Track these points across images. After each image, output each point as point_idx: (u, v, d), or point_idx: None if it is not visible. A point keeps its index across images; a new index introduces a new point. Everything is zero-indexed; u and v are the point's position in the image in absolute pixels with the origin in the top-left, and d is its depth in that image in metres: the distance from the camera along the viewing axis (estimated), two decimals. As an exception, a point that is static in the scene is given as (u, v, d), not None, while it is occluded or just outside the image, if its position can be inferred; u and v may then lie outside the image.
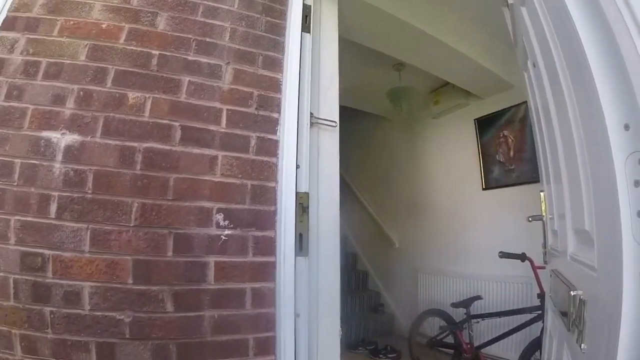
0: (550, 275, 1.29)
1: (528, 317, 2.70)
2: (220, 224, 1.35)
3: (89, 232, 1.21)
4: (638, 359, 0.54)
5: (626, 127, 0.60)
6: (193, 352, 1.26)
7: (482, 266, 3.65)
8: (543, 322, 2.29)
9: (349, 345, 4.01)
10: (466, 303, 3.19)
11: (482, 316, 3.08)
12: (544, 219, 1.49)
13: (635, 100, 0.56)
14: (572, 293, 0.79)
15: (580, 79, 0.75)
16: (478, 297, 3.26)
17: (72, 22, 1.38)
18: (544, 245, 1.52)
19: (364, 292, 4.99)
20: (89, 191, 1.24)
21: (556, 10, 0.83)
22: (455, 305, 3.24)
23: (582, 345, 0.74)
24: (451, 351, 3.23)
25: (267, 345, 1.35)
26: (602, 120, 0.63)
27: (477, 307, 3.23)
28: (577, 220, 0.89)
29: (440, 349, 3.34)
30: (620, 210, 0.58)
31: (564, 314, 0.92)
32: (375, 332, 4.40)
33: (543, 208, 1.49)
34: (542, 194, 1.50)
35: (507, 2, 1.42)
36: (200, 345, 1.27)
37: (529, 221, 1.68)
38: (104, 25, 1.40)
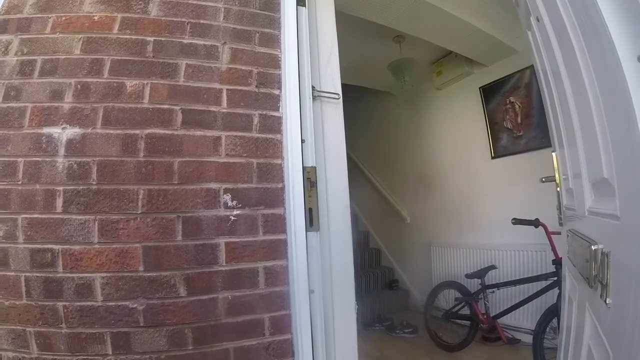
0: (567, 236, 1.27)
1: (543, 284, 2.71)
2: (229, 204, 1.35)
3: (96, 223, 1.21)
4: None
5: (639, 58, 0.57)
6: (209, 335, 1.26)
7: (495, 236, 3.64)
8: (559, 288, 2.29)
9: (365, 322, 4.05)
10: (480, 273, 3.19)
11: (497, 286, 3.09)
12: (558, 179, 1.47)
13: None
14: (593, 247, 0.77)
15: (588, 19, 0.72)
16: (492, 267, 3.26)
17: (64, 18, 1.37)
18: (559, 206, 1.50)
19: (378, 270, 5.00)
20: (94, 182, 1.24)
21: None
22: (469, 276, 3.24)
23: (607, 300, 0.72)
24: (468, 323, 3.23)
25: (283, 324, 1.35)
26: (615, 56, 0.60)
27: (491, 277, 3.24)
28: (594, 171, 0.87)
29: (456, 321, 3.35)
30: None
31: (584, 272, 0.90)
32: (391, 309, 4.43)
33: (556, 168, 1.47)
34: (554, 154, 1.48)
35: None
36: (215, 327, 1.27)
37: (542, 182, 1.66)
38: (96, 18, 1.39)
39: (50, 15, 1.37)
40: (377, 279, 4.82)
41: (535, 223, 2.71)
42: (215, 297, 1.29)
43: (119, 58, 1.36)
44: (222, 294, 1.29)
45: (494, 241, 3.64)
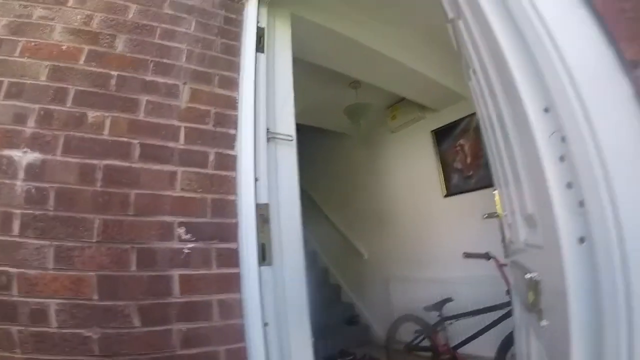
0: (511, 267, 1.36)
1: (500, 313, 2.77)
2: (182, 237, 1.37)
3: (52, 249, 1.20)
4: (587, 322, 0.59)
5: (546, 110, 0.68)
6: None
7: (450, 269, 3.76)
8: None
9: (327, 358, 3.99)
10: (438, 306, 3.25)
11: (455, 317, 3.14)
12: (500, 215, 1.58)
13: (549, 87, 0.65)
14: (526, 276, 0.84)
15: (505, 77, 0.83)
16: (449, 300, 3.33)
17: (33, 44, 1.39)
18: (503, 240, 1.61)
19: (338, 305, 5.01)
20: (51, 208, 1.23)
21: (481, 19, 0.92)
22: (427, 309, 3.29)
23: (542, 322, 0.80)
24: (429, 354, 3.26)
25: (239, 356, 1.34)
26: (523, 107, 0.71)
27: (449, 309, 3.30)
28: (523, 206, 0.96)
29: (418, 353, 3.38)
30: (549, 184, 0.66)
31: (524, 299, 0.97)
32: (353, 344, 4.39)
33: (498, 205, 1.58)
34: (495, 192, 1.59)
35: (448, 18, 1.54)
36: (170, 359, 1.26)
37: (484, 218, 1.78)
38: (64, 47, 1.42)
39: (20, 39, 1.38)
40: (338, 314, 4.80)
41: (486, 256, 2.81)
42: (170, 329, 1.27)
43: (83, 89, 1.39)
44: (176, 326, 1.28)
45: (450, 274, 3.75)
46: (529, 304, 0.87)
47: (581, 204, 0.59)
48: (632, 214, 0.51)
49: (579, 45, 0.61)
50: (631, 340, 0.50)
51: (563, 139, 0.62)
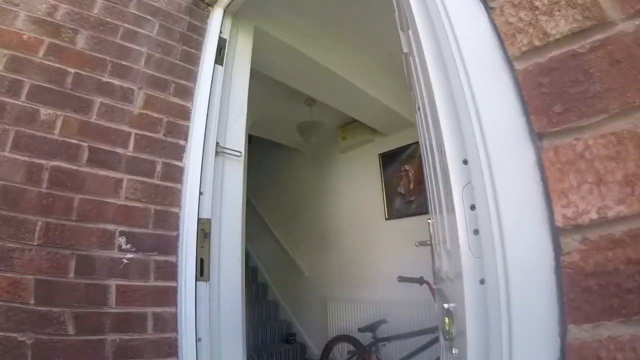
0: (437, 294, 1.45)
1: (432, 336, 2.89)
2: (123, 247, 1.35)
3: None
4: (481, 352, 0.66)
5: (464, 162, 0.75)
6: None
7: (386, 291, 3.87)
8: (440, 340, 2.49)
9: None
10: (372, 327, 3.33)
11: (388, 339, 3.24)
12: (432, 243, 1.67)
13: (466, 142, 0.72)
14: (445, 306, 0.90)
15: (436, 124, 0.90)
16: (383, 321, 3.42)
17: None
18: (433, 267, 1.69)
19: (275, 323, 4.98)
20: None
21: (423, 67, 0.99)
22: (361, 330, 3.37)
23: (454, 350, 0.86)
24: (362, 374, 3.32)
25: None
26: (445, 156, 0.79)
27: (383, 330, 3.39)
28: (445, 241, 1.03)
29: (350, 373, 3.42)
30: (459, 229, 0.73)
31: (442, 328, 1.03)
32: (288, 362, 4.39)
33: (431, 234, 1.67)
34: (429, 221, 1.68)
35: (403, 51, 1.62)
36: None
37: (417, 245, 1.87)
38: (25, 37, 1.36)
39: None
40: (275, 332, 4.78)
41: (420, 281, 2.92)
42: (104, 339, 1.25)
43: (39, 84, 1.33)
44: (110, 336, 1.26)
45: (385, 296, 3.86)
46: (445, 332, 0.93)
47: (482, 249, 0.67)
48: (518, 264, 0.60)
49: (497, 111, 0.68)
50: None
51: (474, 191, 0.70)
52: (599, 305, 0.52)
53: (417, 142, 3.85)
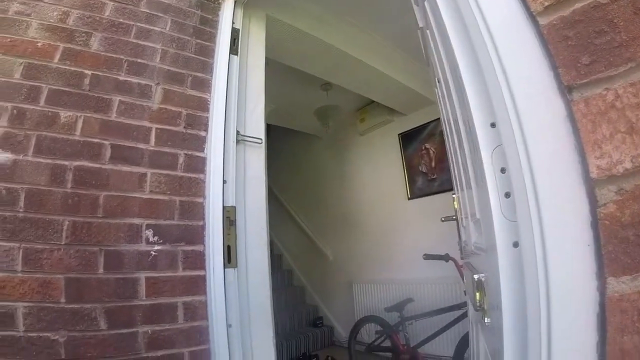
0: (465, 268, 1.44)
1: (458, 313, 2.88)
2: (150, 239, 1.37)
3: (21, 252, 1.18)
4: (515, 323, 0.66)
5: (492, 125, 0.74)
6: None
7: (412, 271, 3.88)
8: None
9: (290, 360, 4.04)
10: (399, 306, 3.34)
11: (415, 317, 3.23)
12: (457, 217, 1.66)
13: (494, 104, 0.71)
14: (475, 277, 0.90)
15: (460, 91, 0.89)
16: (409, 300, 3.43)
17: (8, 40, 1.35)
18: (459, 241, 1.69)
19: (302, 308, 5.05)
20: (21, 210, 1.21)
21: (443, 35, 0.97)
22: (388, 309, 3.38)
23: (486, 319, 0.86)
24: (389, 354, 3.36)
25: (203, 358, 1.36)
26: (472, 121, 0.77)
27: (410, 310, 3.40)
28: (473, 211, 1.03)
29: (379, 353, 3.48)
30: (490, 194, 0.72)
31: (472, 299, 1.03)
32: (316, 345, 4.46)
33: (456, 208, 1.66)
34: (454, 196, 1.67)
35: (419, 26, 1.59)
36: None
37: (442, 221, 1.86)
38: (39, 44, 1.39)
39: None
40: (302, 317, 4.85)
41: (445, 257, 2.92)
42: (136, 331, 1.28)
43: (57, 88, 1.37)
44: (142, 328, 1.29)
45: (411, 276, 3.87)
46: (476, 304, 0.93)
47: (516, 212, 0.66)
48: (553, 222, 0.59)
49: (524, 68, 0.67)
50: (549, 330, 0.57)
51: (504, 153, 0.69)
52: (638, 256, 0.51)
53: (437, 120, 3.82)
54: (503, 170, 0.71)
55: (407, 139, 4.24)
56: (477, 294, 0.90)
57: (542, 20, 0.66)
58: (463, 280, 2.77)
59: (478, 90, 0.78)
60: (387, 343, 3.39)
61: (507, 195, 0.70)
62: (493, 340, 0.84)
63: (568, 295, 0.56)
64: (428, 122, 4.02)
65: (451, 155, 1.54)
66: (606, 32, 0.57)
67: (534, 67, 0.66)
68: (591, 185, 0.56)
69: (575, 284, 0.56)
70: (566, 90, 0.61)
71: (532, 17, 0.67)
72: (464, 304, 2.79)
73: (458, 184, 1.44)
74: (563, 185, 0.59)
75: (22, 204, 1.22)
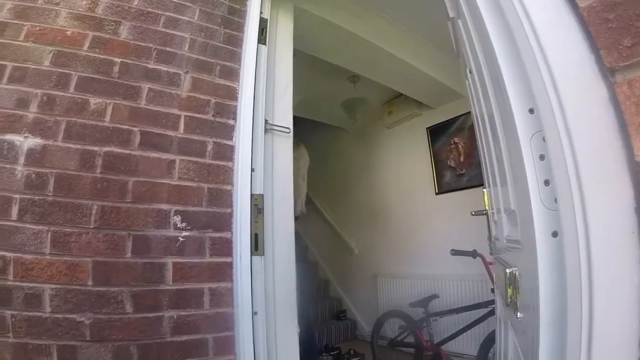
0: (495, 264, 1.41)
1: (484, 311, 2.82)
2: (178, 225, 1.39)
3: (49, 234, 1.21)
4: (554, 312, 0.64)
5: (531, 111, 0.72)
6: (154, 353, 1.26)
7: (438, 267, 3.81)
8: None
9: (312, 352, 4.04)
10: (423, 302, 3.29)
11: (440, 314, 3.19)
12: (488, 212, 1.62)
13: (534, 89, 0.69)
14: (507, 270, 0.88)
15: (496, 78, 0.86)
16: (435, 296, 3.38)
17: (38, 28, 1.39)
18: (489, 237, 1.65)
19: (326, 300, 5.05)
20: (50, 194, 1.24)
21: (477, 22, 0.95)
22: (413, 305, 3.34)
23: (518, 313, 0.84)
24: (412, 350, 3.31)
25: (227, 345, 1.37)
26: (510, 107, 0.75)
27: (434, 306, 3.35)
28: (507, 203, 1.00)
29: (401, 348, 3.43)
30: (529, 181, 0.70)
31: (503, 294, 1.01)
32: (339, 338, 4.47)
33: (486, 203, 1.62)
34: (484, 190, 1.63)
35: (449, 16, 1.55)
36: (160, 346, 1.27)
37: (472, 215, 1.82)
38: (68, 32, 1.42)
39: (25, 23, 1.38)
40: (325, 309, 4.85)
41: (473, 254, 2.86)
42: (161, 316, 1.30)
43: (86, 75, 1.40)
44: (167, 313, 1.31)
45: (437, 272, 3.81)
46: (507, 299, 0.90)
47: (556, 200, 0.63)
48: (596, 210, 0.56)
49: (564, 51, 0.65)
50: (591, 318, 0.55)
51: (544, 139, 0.67)
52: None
53: (466, 114, 3.75)
54: (542, 157, 0.69)
55: (435, 133, 4.16)
56: (509, 289, 0.88)
57: (582, 3, 0.64)
58: (491, 277, 2.73)
59: (515, 75, 0.76)
60: (411, 339, 3.35)
61: (547, 182, 0.68)
62: (526, 336, 0.82)
63: (611, 283, 0.54)
64: (457, 116, 3.93)
65: (482, 148, 1.49)
66: (647, 15, 0.55)
67: (574, 49, 0.64)
68: (636, 170, 0.54)
69: (619, 272, 0.54)
70: (608, 72, 0.59)
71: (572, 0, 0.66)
72: (491, 302, 2.74)
73: (490, 178, 1.40)
74: (607, 169, 0.57)
75: (51, 188, 1.25)
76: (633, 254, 0.53)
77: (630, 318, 0.52)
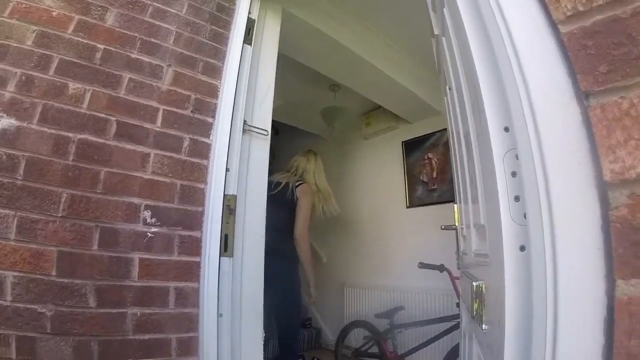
0: (462, 278, 1.44)
1: (448, 325, 2.87)
2: (147, 220, 1.36)
3: (16, 220, 1.16)
4: (519, 325, 0.65)
5: (506, 129, 0.74)
6: (115, 350, 1.22)
7: (405, 279, 3.86)
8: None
9: (275, 359, 4.00)
10: (389, 314, 3.33)
11: (405, 326, 3.22)
12: (457, 227, 1.65)
13: (510, 108, 0.71)
14: (474, 284, 0.90)
15: (474, 96, 0.89)
16: (400, 308, 3.42)
17: (24, 5, 1.33)
18: (457, 252, 1.68)
19: (292, 307, 5.00)
20: (20, 177, 1.18)
21: (461, 40, 0.97)
22: (378, 315, 3.37)
23: (484, 326, 0.85)
24: (376, 360, 3.34)
25: (190, 346, 1.35)
26: (486, 125, 0.77)
27: (400, 318, 3.38)
28: (477, 218, 1.03)
29: (365, 359, 3.44)
30: (499, 197, 0.72)
31: (469, 306, 1.03)
32: (303, 346, 4.43)
33: (456, 218, 1.66)
34: (455, 206, 1.67)
35: (434, 33, 1.59)
36: (122, 343, 1.24)
37: (442, 229, 1.86)
38: (54, 13, 1.37)
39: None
40: (292, 316, 4.81)
41: (440, 268, 2.91)
42: (125, 312, 1.26)
43: (68, 59, 1.35)
44: (131, 310, 1.27)
45: (404, 284, 3.85)
46: (473, 312, 0.92)
47: (525, 215, 0.66)
48: (564, 225, 0.59)
49: (543, 73, 0.68)
50: (555, 332, 0.57)
51: (517, 156, 0.69)
52: (648, 259, 0.51)
53: (442, 131, 3.83)
54: (514, 174, 0.71)
55: (411, 147, 4.23)
56: (475, 302, 0.90)
57: (563, 29, 0.68)
58: (456, 291, 2.79)
59: (494, 94, 0.78)
60: (375, 349, 3.37)
61: (517, 198, 0.70)
62: (491, 349, 0.84)
63: (576, 297, 0.56)
64: (432, 132, 4.02)
65: (456, 164, 1.54)
66: (625, 45, 0.59)
67: (553, 72, 0.67)
68: (604, 189, 0.57)
69: (584, 286, 0.56)
70: (583, 96, 0.63)
71: (554, 25, 0.69)
72: (455, 316, 2.79)
73: (461, 193, 1.43)
74: (576, 187, 0.59)
75: (21, 171, 1.20)
76: (598, 270, 0.55)
77: (594, 333, 0.54)
